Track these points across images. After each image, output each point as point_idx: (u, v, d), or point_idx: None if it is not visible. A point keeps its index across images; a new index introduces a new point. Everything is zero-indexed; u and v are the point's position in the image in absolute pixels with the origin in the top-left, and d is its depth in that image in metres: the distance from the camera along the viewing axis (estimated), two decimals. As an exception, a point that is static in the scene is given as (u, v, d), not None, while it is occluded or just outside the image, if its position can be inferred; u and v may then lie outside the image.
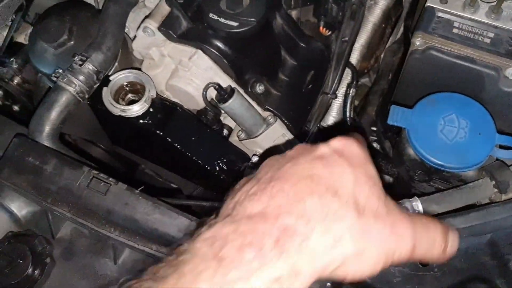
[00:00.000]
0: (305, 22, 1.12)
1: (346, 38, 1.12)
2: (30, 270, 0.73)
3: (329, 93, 1.09)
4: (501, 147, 0.79)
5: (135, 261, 0.79)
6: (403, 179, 0.87)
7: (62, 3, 1.00)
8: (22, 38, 1.20)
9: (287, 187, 0.43)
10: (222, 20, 0.89)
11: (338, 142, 0.47)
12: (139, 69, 0.97)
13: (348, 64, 1.13)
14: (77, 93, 0.87)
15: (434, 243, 0.48)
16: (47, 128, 0.86)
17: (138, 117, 0.90)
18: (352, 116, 1.17)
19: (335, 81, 1.10)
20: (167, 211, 0.73)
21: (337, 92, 1.12)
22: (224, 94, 0.91)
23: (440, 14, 0.84)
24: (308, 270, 0.41)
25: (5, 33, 1.26)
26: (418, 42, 0.82)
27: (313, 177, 0.44)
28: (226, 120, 1.05)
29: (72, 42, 0.93)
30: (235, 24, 0.89)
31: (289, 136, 0.99)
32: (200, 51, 0.92)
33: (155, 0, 1.01)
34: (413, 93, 0.90)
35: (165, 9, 0.96)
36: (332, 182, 0.44)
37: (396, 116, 0.78)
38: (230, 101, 0.90)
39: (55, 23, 0.93)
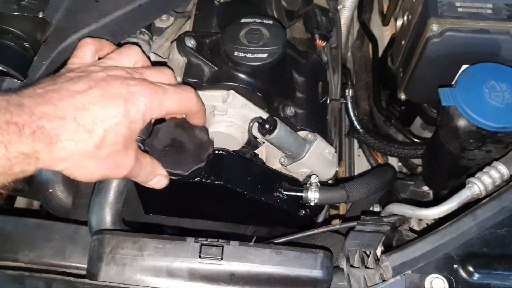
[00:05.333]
0: (294, 39, 1.15)
1: (334, 45, 1.17)
2: None
3: (337, 98, 1.14)
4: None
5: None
6: (451, 153, 0.93)
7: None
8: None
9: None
10: (249, 55, 0.89)
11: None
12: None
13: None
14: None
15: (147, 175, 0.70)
16: (110, 213, 0.79)
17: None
18: (357, 115, 1.23)
19: (338, 86, 1.15)
20: (288, 252, 0.72)
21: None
22: (269, 125, 0.91)
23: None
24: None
25: None
26: (435, 27, 0.90)
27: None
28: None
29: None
30: (264, 55, 0.89)
31: (330, 148, 1.00)
32: (232, 91, 0.91)
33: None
34: (433, 75, 0.98)
35: (179, 59, 0.93)
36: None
37: (448, 96, 0.84)
38: (277, 130, 0.90)
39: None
